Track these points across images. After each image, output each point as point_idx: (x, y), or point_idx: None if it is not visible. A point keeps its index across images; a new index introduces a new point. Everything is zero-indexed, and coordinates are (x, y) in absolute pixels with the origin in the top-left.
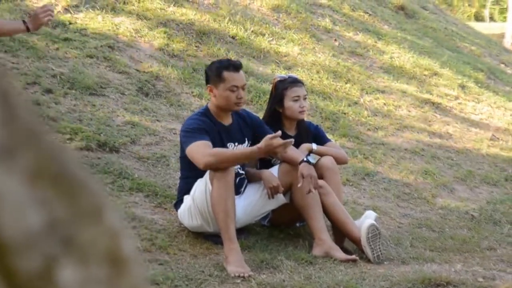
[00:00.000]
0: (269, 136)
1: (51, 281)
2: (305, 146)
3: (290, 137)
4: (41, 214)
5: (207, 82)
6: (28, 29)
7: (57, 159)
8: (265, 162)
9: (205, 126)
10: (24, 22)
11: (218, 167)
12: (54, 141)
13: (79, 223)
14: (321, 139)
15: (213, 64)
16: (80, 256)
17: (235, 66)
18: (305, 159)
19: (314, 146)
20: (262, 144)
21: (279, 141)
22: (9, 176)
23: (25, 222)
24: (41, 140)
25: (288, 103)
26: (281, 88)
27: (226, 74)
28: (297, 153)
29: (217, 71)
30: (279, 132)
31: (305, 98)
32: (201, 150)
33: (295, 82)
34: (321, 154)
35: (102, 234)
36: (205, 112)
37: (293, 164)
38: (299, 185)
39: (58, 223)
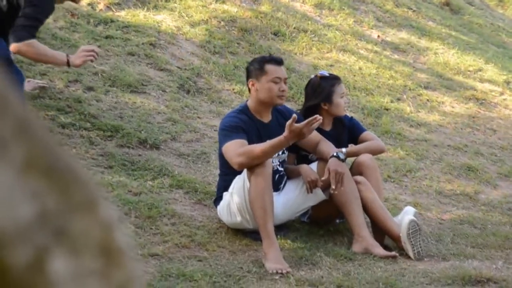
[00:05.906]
0: (288, 123)
1: (42, 272)
2: None
3: (326, 132)
4: (33, 206)
5: (249, 78)
6: (69, 64)
7: (50, 151)
8: (303, 158)
9: (242, 124)
10: (67, 55)
11: (252, 165)
12: (47, 133)
13: (71, 215)
14: (356, 131)
15: (254, 60)
16: (72, 247)
17: (277, 60)
18: (335, 154)
19: (344, 150)
20: (286, 132)
21: (301, 123)
22: (0, 167)
23: (16, 213)
24: (34, 132)
25: (337, 99)
26: (329, 85)
27: (268, 66)
28: (329, 147)
29: (259, 65)
30: (294, 116)
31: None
32: (234, 151)
33: (338, 79)
34: (355, 155)
35: (95, 226)
36: (243, 110)
37: (326, 159)
38: (322, 178)
39: (50, 215)
